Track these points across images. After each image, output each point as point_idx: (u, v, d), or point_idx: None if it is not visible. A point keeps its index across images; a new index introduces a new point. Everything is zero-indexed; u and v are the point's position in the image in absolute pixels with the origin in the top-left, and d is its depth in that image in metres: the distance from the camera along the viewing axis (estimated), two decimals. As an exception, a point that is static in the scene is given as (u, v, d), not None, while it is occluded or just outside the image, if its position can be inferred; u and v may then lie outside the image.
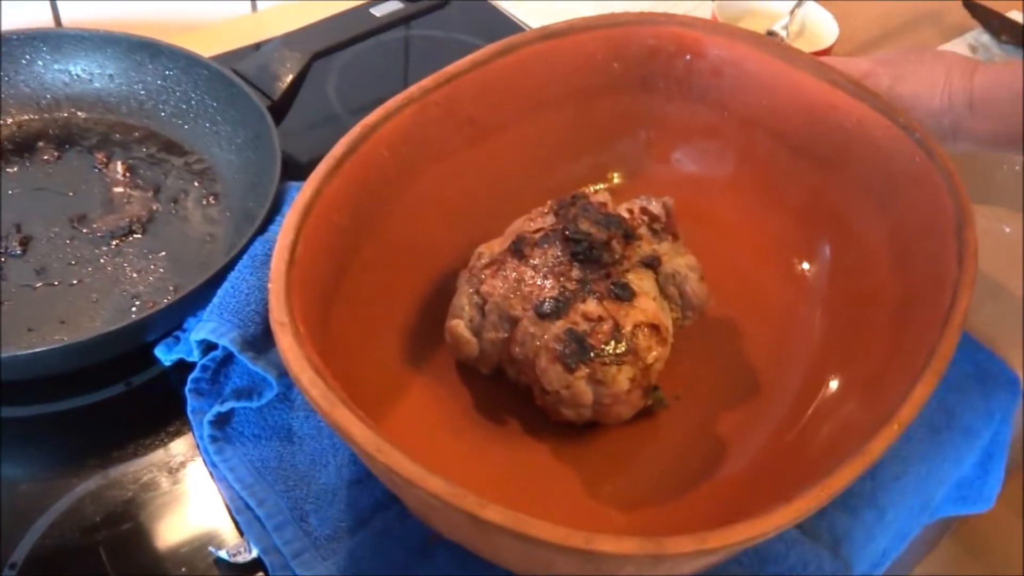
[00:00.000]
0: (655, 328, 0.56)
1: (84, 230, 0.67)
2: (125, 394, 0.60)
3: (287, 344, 0.46)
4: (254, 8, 0.90)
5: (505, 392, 0.60)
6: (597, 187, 0.70)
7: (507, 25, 0.93)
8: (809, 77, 0.65)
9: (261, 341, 0.57)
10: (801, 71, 0.66)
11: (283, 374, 0.57)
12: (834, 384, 0.60)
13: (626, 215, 0.60)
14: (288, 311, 0.47)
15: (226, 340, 0.55)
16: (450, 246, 0.64)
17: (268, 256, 0.60)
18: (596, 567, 0.43)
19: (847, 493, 0.46)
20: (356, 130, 0.57)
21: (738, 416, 0.60)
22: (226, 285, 0.58)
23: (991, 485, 0.68)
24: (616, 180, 0.71)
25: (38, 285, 0.63)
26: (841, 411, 0.57)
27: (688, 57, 0.69)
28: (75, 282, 0.64)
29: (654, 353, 0.55)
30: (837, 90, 0.64)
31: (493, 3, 0.95)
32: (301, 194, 0.53)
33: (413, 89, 0.60)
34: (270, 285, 0.48)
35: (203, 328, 0.56)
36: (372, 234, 0.59)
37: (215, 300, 0.58)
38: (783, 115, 0.67)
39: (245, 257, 0.60)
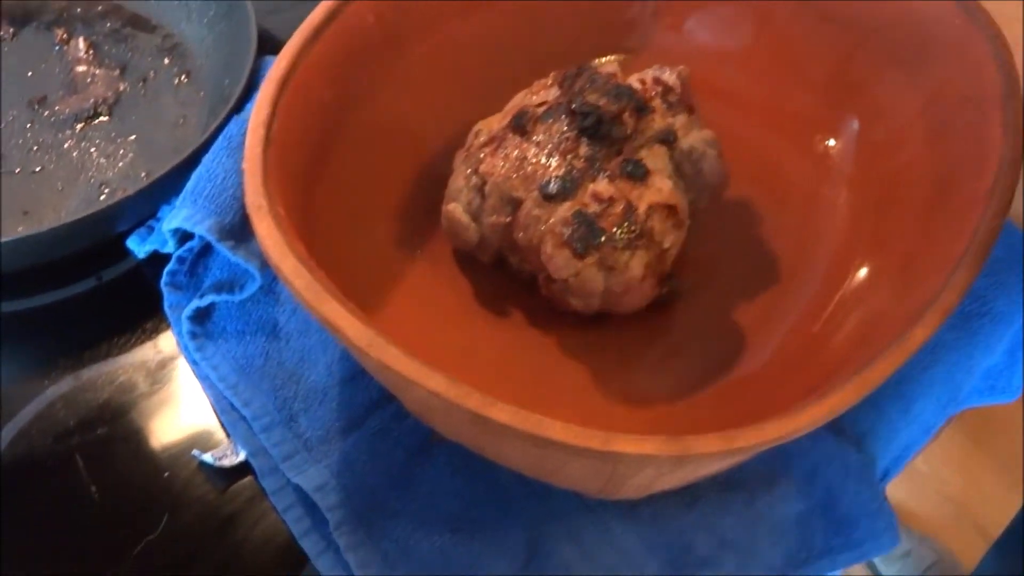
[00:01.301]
0: (671, 209, 0.51)
1: (45, 113, 0.61)
2: (96, 289, 0.55)
3: (265, 229, 0.41)
4: None
5: (507, 281, 0.55)
6: (605, 59, 0.64)
7: None
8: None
9: (240, 229, 0.53)
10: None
11: (266, 264, 0.53)
12: (863, 271, 0.55)
13: (638, 86, 0.54)
14: (265, 193, 0.42)
15: (202, 228, 0.51)
16: (445, 124, 0.58)
17: (242, 142, 0.55)
18: (613, 468, 0.39)
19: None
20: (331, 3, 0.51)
21: (758, 306, 0.56)
22: (200, 169, 0.53)
23: (1020, 374, 0.64)
24: (625, 51, 0.65)
25: (-5, 174, 0.58)
26: (872, 300, 0.53)
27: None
28: (37, 169, 0.59)
29: (670, 237, 0.51)
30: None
31: None
32: (276, 65, 0.47)
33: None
34: (244, 165, 0.44)
35: (176, 216, 0.51)
36: (357, 109, 0.53)
37: (188, 185, 0.53)
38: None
39: (220, 138, 0.55)
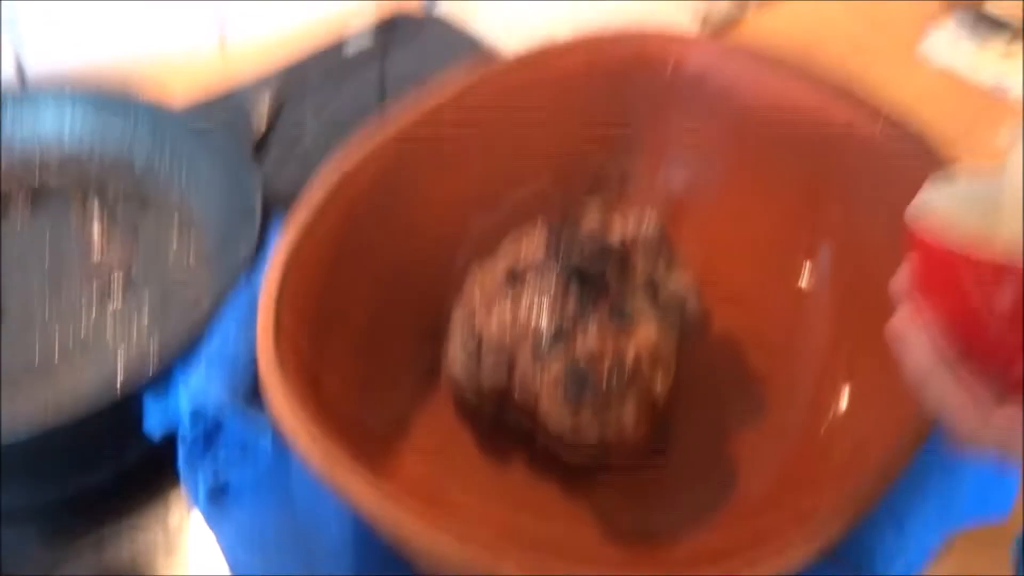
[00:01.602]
0: (658, 356, 0.54)
1: (63, 290, 0.65)
2: (118, 474, 0.57)
3: (279, 401, 0.44)
4: (223, 46, 0.88)
5: (509, 434, 0.58)
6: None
7: (482, 52, 0.92)
8: (793, 81, 0.64)
9: (252, 402, 0.55)
10: (785, 75, 0.64)
11: (277, 434, 0.55)
12: (846, 392, 0.57)
13: (618, 243, 0.58)
14: (279, 365, 0.45)
15: (215, 402, 0.53)
16: (443, 271, 0.62)
17: (253, 308, 0.58)
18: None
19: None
20: (336, 168, 0.55)
21: (753, 433, 0.58)
22: (212, 341, 0.56)
23: (1010, 486, 0.66)
24: (607, 194, 0.69)
25: (13, 360, 0.61)
26: (857, 421, 0.55)
27: (669, 69, 0.68)
28: (56, 353, 0.62)
29: (659, 381, 0.54)
30: (823, 93, 0.63)
31: (467, 27, 0.93)
32: (283, 242, 0.51)
33: (389, 124, 0.59)
34: (258, 342, 0.46)
35: (188, 393, 0.54)
36: (360, 270, 0.57)
37: (201, 359, 0.56)
38: (775, 126, 0.66)
39: (229, 310, 0.58)
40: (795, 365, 0.61)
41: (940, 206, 0.37)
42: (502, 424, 0.57)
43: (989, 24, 0.89)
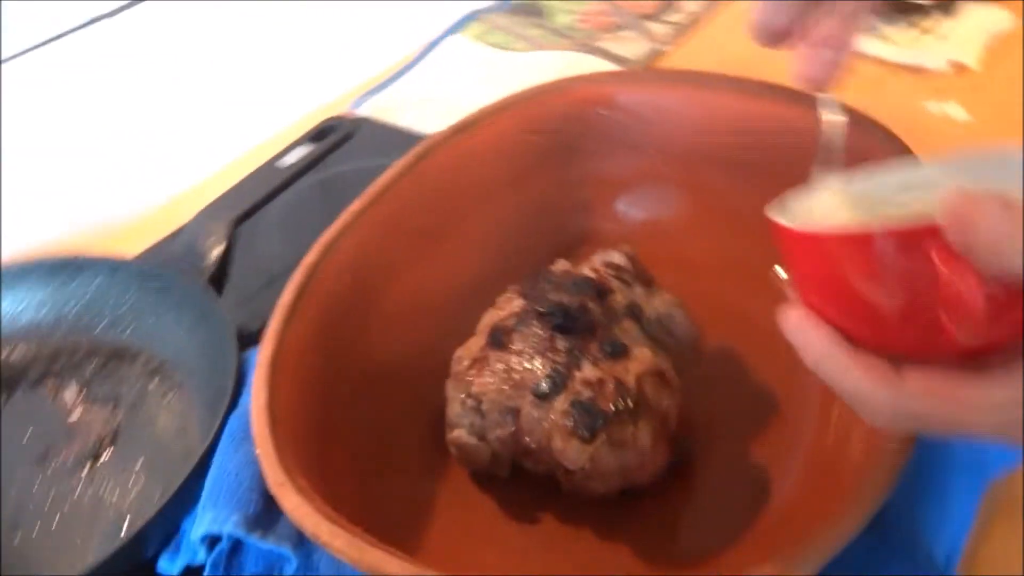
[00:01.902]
0: (659, 374, 0.53)
1: (50, 467, 0.63)
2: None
3: (293, 504, 0.43)
4: (168, 197, 0.89)
5: (529, 487, 0.56)
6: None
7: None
8: (729, 95, 0.65)
9: (265, 517, 0.54)
10: (719, 91, 0.66)
11: (298, 544, 0.54)
12: None
13: (592, 275, 0.58)
14: (284, 470, 0.44)
15: (229, 526, 0.52)
16: (429, 356, 0.61)
17: (246, 430, 0.57)
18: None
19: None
20: (301, 272, 0.55)
21: (769, 447, 0.57)
22: (213, 471, 0.55)
23: None
24: (572, 248, 0.69)
25: (16, 542, 0.59)
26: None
27: (603, 111, 0.69)
28: (54, 526, 0.60)
29: (666, 400, 0.53)
30: (762, 100, 0.64)
31: (399, 127, 0.95)
32: (262, 351, 0.50)
33: (345, 216, 0.59)
34: (258, 451, 0.45)
35: (202, 522, 0.52)
36: (346, 366, 0.56)
37: (206, 490, 0.54)
38: (716, 139, 0.67)
39: (224, 437, 0.57)
40: (797, 371, 0.60)
41: (803, 205, 0.38)
42: (520, 478, 0.55)
43: (903, 6, 0.92)
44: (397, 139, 0.93)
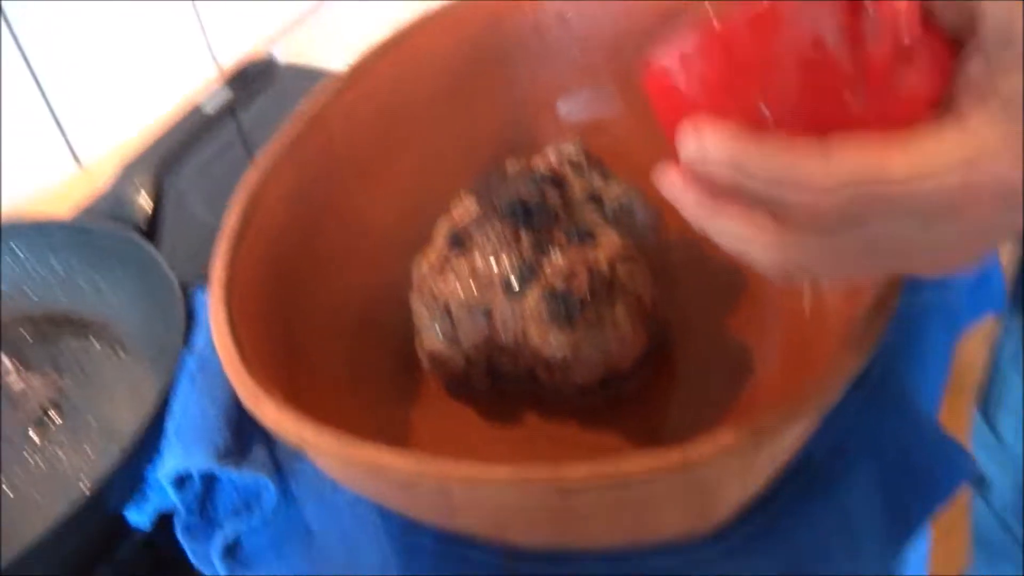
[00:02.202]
0: (629, 257, 0.52)
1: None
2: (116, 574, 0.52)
3: (273, 414, 0.40)
4: (79, 165, 0.84)
5: (507, 393, 0.55)
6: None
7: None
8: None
9: (235, 448, 0.51)
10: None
11: (273, 473, 0.51)
12: None
13: (545, 168, 0.56)
14: (257, 384, 0.42)
15: (199, 460, 0.49)
16: (386, 275, 0.59)
17: (204, 366, 0.54)
18: (702, 485, 0.38)
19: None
20: (244, 193, 0.52)
21: (744, 322, 0.56)
22: (174, 411, 0.52)
23: (998, 279, 0.66)
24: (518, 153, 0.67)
25: (-31, 512, 0.55)
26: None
27: (528, 17, 0.67)
28: (11, 495, 0.56)
29: (639, 281, 0.52)
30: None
31: (313, 64, 0.91)
32: (215, 272, 0.48)
33: (282, 139, 0.56)
34: (226, 369, 0.43)
35: (168, 461, 0.50)
36: (303, 292, 0.54)
37: (170, 430, 0.51)
38: (641, 28, 0.65)
39: (181, 378, 0.54)
40: None
41: None
42: (499, 382, 0.54)
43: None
44: (316, 79, 0.90)
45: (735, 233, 0.33)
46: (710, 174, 0.32)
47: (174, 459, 0.49)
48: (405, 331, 0.57)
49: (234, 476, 0.49)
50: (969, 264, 0.31)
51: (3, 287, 0.68)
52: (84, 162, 0.84)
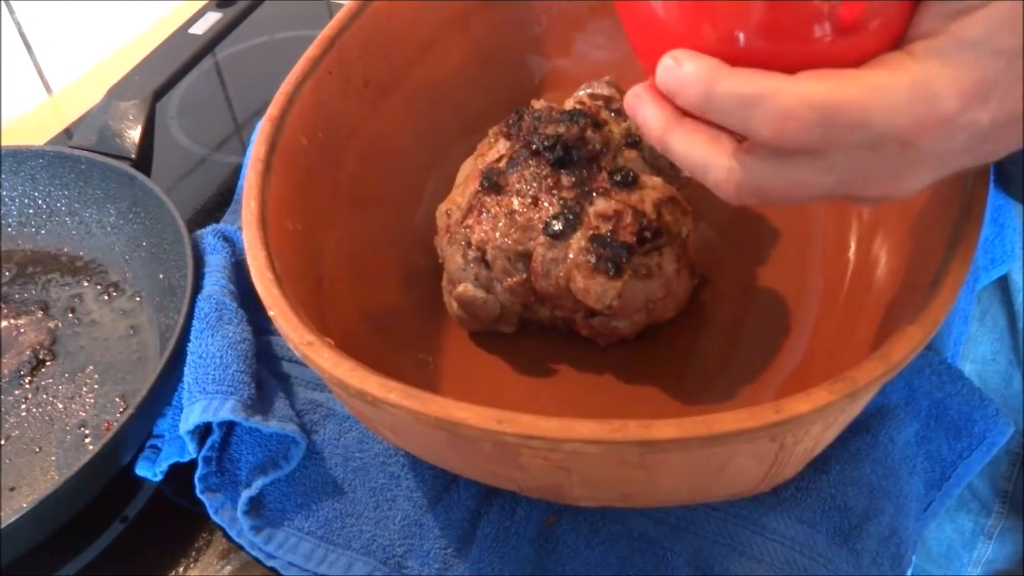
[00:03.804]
0: (673, 200, 0.50)
1: (-14, 386, 0.55)
2: (127, 530, 0.49)
3: (330, 360, 0.37)
4: (48, 91, 0.79)
5: (538, 342, 0.53)
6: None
7: (327, 9, 0.86)
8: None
9: (259, 401, 0.48)
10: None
11: (301, 426, 0.49)
12: (853, 244, 0.53)
13: (580, 106, 0.54)
14: (308, 328, 0.39)
15: (225, 411, 0.46)
16: (405, 220, 0.56)
17: (220, 311, 0.51)
18: (782, 443, 0.37)
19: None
20: (267, 123, 0.49)
21: (782, 275, 0.55)
22: (191, 359, 0.49)
23: (1011, 238, 0.66)
24: (532, 95, 0.64)
25: (-39, 463, 0.52)
26: (872, 274, 0.50)
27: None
28: (2, 443, 0.52)
29: (685, 225, 0.50)
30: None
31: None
32: (246, 207, 0.44)
33: (302, 63, 0.52)
34: (271, 312, 0.40)
35: (192, 412, 0.46)
36: (324, 233, 0.51)
37: (188, 379, 0.48)
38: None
39: (195, 321, 0.51)
40: (806, 220, 0.57)
41: None
42: (527, 329, 0.52)
43: None
44: (311, 4, 0.86)
45: (697, 152, 0.34)
46: (684, 101, 0.33)
47: (196, 409, 0.46)
48: (428, 274, 0.55)
49: (263, 428, 0.46)
50: (920, 188, 0.33)
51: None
52: (59, 86, 0.79)
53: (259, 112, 0.76)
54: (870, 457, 0.48)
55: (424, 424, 0.36)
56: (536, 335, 0.53)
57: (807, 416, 0.34)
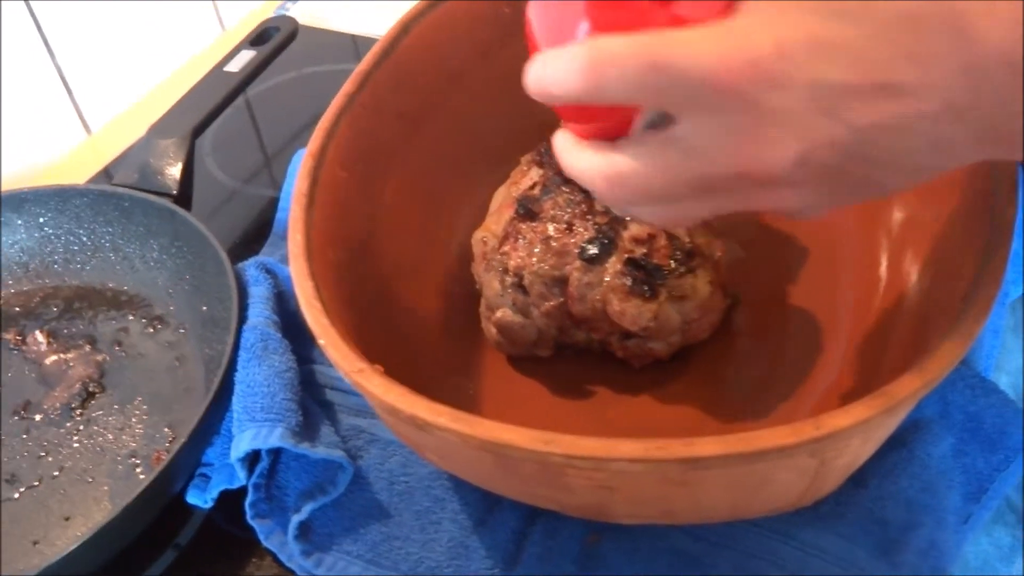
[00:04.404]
0: (706, 223, 0.51)
1: (36, 417, 0.57)
2: (179, 558, 0.50)
3: (381, 387, 0.39)
4: (88, 131, 0.81)
5: (574, 365, 0.54)
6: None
7: (352, 45, 0.88)
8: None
9: (306, 428, 0.50)
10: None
11: (349, 452, 0.50)
12: (884, 260, 0.54)
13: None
14: (359, 356, 0.40)
15: (275, 439, 0.47)
16: (440, 247, 0.58)
17: (266, 341, 0.52)
18: (822, 459, 0.38)
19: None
20: (309, 158, 0.50)
21: (814, 293, 0.55)
22: (239, 389, 0.50)
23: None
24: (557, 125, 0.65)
25: (16, 495, 0.53)
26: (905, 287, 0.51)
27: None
28: (56, 474, 0.54)
29: (717, 247, 0.51)
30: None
31: (336, 30, 0.89)
32: (293, 240, 0.46)
33: (339, 99, 0.54)
34: (321, 341, 0.41)
35: (243, 440, 0.48)
36: (363, 262, 0.52)
37: (237, 409, 0.50)
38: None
39: (241, 352, 0.52)
40: (835, 221, 0.58)
41: None
42: (563, 352, 0.53)
43: None
44: (335, 42, 0.88)
45: (582, 162, 0.36)
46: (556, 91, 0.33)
47: (246, 437, 0.48)
48: (464, 301, 0.56)
49: (311, 455, 0.48)
50: (798, 166, 0.31)
51: (26, 255, 0.65)
52: (97, 126, 0.81)
53: (288, 145, 0.77)
54: (907, 471, 0.48)
55: (471, 447, 0.37)
56: (572, 358, 0.54)
57: (847, 431, 0.35)
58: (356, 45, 0.88)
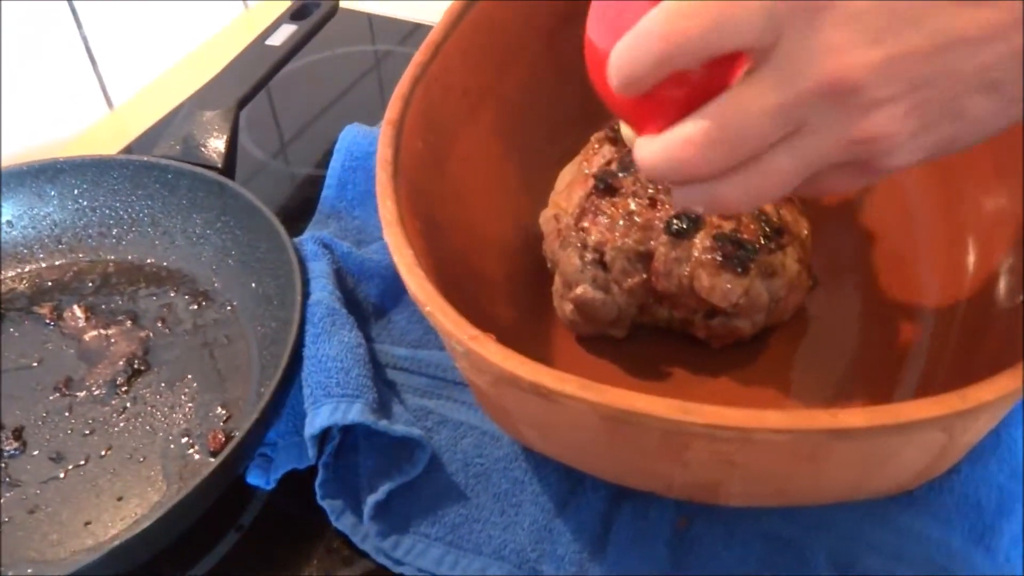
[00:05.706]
0: (791, 201, 0.50)
1: (79, 393, 0.54)
2: (242, 540, 0.48)
3: (500, 353, 0.37)
4: (110, 106, 0.78)
5: (647, 345, 0.53)
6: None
7: (389, 27, 0.86)
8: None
9: (382, 404, 0.48)
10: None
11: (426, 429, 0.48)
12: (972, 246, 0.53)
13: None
14: (470, 322, 0.38)
15: (354, 415, 0.45)
16: (504, 224, 0.56)
17: (333, 316, 0.50)
18: (951, 435, 0.37)
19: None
20: (388, 129, 0.48)
21: (893, 278, 0.54)
22: (310, 363, 0.48)
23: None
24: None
25: (62, 474, 0.50)
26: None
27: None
28: (104, 453, 0.51)
29: (803, 225, 0.50)
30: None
31: (368, 12, 0.87)
32: (383, 206, 0.44)
33: (412, 68, 0.52)
34: (427, 309, 0.39)
35: (320, 415, 0.46)
36: (438, 236, 0.50)
37: (308, 385, 0.48)
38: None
39: (308, 327, 0.50)
40: (918, 215, 0.57)
41: None
42: (635, 337, 0.52)
43: None
44: (379, 22, 0.86)
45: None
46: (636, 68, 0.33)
47: (323, 413, 0.46)
48: (525, 282, 0.54)
49: (391, 431, 0.46)
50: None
51: (59, 229, 0.62)
52: (128, 94, 0.78)
53: (310, 124, 0.75)
54: (995, 455, 0.47)
55: (599, 416, 0.35)
56: (645, 339, 0.53)
57: (990, 405, 0.34)
58: (372, 24, 0.86)
